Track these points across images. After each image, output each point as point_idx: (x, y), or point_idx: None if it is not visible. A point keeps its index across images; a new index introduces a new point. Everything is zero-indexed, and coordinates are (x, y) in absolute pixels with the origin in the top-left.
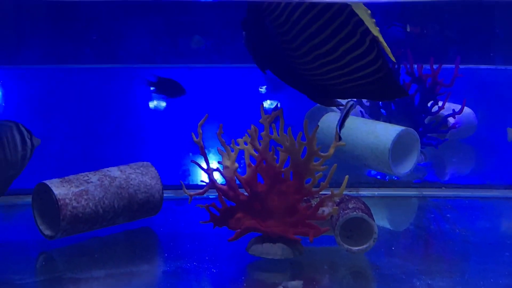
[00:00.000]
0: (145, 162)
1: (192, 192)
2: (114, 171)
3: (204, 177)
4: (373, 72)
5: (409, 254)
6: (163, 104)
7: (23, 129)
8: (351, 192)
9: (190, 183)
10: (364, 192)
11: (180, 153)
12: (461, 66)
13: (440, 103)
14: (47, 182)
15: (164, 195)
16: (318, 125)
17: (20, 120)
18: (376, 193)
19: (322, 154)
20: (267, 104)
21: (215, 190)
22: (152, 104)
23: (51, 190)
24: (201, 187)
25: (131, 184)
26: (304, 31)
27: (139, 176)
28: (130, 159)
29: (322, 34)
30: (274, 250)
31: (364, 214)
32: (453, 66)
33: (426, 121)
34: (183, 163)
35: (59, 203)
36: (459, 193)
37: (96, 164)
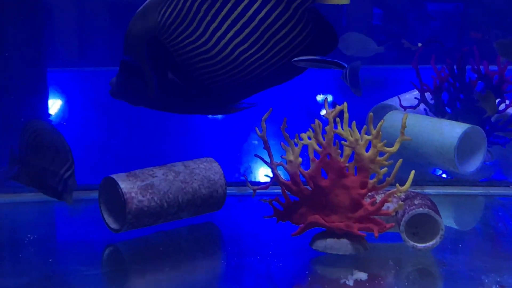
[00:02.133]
0: (208, 158)
1: (255, 187)
2: (179, 166)
3: (267, 172)
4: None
5: (476, 252)
6: None
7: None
8: (416, 190)
9: (252, 180)
10: (429, 190)
11: (243, 150)
12: None
13: (507, 101)
14: (114, 176)
15: (227, 191)
16: (384, 119)
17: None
18: (441, 191)
19: (387, 148)
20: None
21: (278, 185)
22: None
23: (118, 184)
24: (264, 183)
25: (195, 179)
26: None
27: (203, 171)
28: (194, 155)
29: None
30: (338, 246)
31: (430, 210)
32: None
33: (492, 119)
34: (246, 160)
35: (125, 197)
36: None
37: (160, 160)
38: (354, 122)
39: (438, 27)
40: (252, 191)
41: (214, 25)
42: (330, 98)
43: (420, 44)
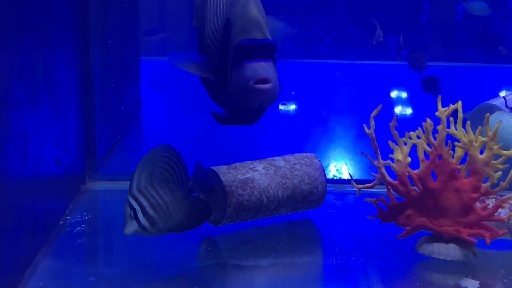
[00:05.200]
0: (309, 153)
1: (361, 185)
2: (279, 160)
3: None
4: None
5: None
6: None
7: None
8: None
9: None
10: None
11: (344, 147)
12: None
13: None
14: (215, 168)
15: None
16: (501, 121)
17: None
18: None
19: (504, 151)
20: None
21: (382, 185)
22: None
23: (218, 176)
24: (370, 181)
25: (296, 174)
26: None
27: (303, 167)
28: (294, 150)
29: None
30: (446, 251)
31: None
32: None
33: None
34: (346, 156)
35: (226, 190)
36: None
37: (259, 154)
38: (469, 122)
39: None
40: (356, 189)
41: None
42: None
43: None
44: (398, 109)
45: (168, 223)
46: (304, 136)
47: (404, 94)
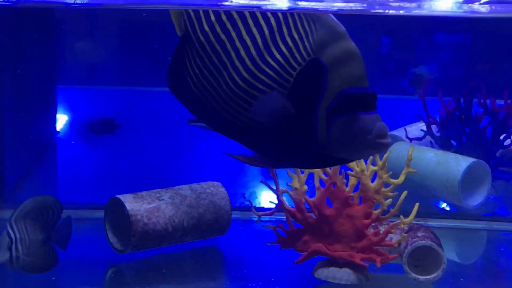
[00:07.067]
0: (215, 182)
1: (260, 213)
2: (186, 189)
3: (273, 198)
4: None
5: (477, 287)
6: None
7: None
8: (419, 222)
9: (258, 205)
10: (433, 223)
11: (249, 175)
12: None
13: None
14: (121, 197)
15: (232, 216)
16: (389, 151)
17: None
18: (444, 224)
19: (393, 180)
20: None
21: (283, 212)
22: None
23: (124, 205)
24: (269, 209)
25: (201, 204)
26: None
27: (209, 196)
28: (200, 178)
29: None
30: (340, 275)
31: (433, 243)
32: None
33: (497, 154)
34: (251, 185)
35: (131, 219)
36: None
37: (166, 182)
38: None
39: (447, 58)
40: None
41: None
42: None
43: None
44: None
45: (25, 260)
46: (214, 163)
47: None
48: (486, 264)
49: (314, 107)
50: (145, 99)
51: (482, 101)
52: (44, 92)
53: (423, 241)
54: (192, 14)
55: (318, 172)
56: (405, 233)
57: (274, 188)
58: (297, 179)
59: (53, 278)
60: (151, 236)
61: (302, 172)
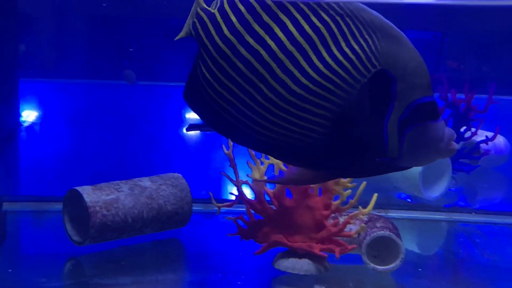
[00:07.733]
0: (176, 174)
1: (220, 204)
2: (145, 181)
3: (233, 189)
4: None
5: (436, 277)
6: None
7: None
8: (380, 213)
9: (220, 197)
10: (393, 214)
11: (211, 166)
12: (499, 97)
13: (473, 129)
14: (79, 188)
15: (193, 208)
16: None
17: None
18: (405, 215)
19: None
20: None
21: (243, 203)
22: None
23: (82, 197)
24: (229, 201)
25: (161, 195)
26: None
27: (170, 188)
28: (162, 170)
29: None
30: (299, 266)
31: (392, 233)
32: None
33: (458, 146)
34: (214, 176)
35: (89, 211)
36: (489, 219)
37: (127, 174)
38: None
39: None
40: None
41: None
42: None
43: None
44: None
45: None
46: (176, 155)
47: None
48: (445, 255)
49: (382, 120)
50: (106, 92)
51: (443, 94)
52: (6, 84)
53: (382, 232)
54: (205, 17)
55: (278, 164)
56: (364, 223)
57: (234, 179)
58: (257, 170)
59: (10, 270)
60: (110, 227)
61: (262, 164)
